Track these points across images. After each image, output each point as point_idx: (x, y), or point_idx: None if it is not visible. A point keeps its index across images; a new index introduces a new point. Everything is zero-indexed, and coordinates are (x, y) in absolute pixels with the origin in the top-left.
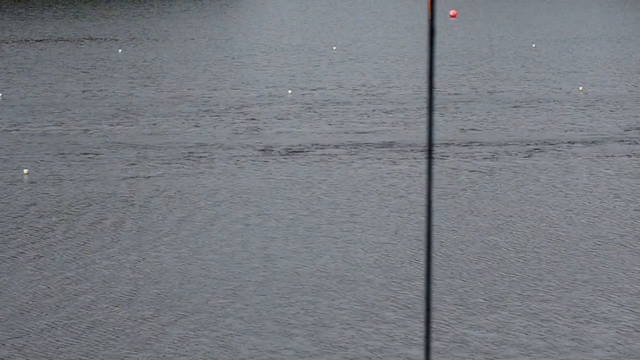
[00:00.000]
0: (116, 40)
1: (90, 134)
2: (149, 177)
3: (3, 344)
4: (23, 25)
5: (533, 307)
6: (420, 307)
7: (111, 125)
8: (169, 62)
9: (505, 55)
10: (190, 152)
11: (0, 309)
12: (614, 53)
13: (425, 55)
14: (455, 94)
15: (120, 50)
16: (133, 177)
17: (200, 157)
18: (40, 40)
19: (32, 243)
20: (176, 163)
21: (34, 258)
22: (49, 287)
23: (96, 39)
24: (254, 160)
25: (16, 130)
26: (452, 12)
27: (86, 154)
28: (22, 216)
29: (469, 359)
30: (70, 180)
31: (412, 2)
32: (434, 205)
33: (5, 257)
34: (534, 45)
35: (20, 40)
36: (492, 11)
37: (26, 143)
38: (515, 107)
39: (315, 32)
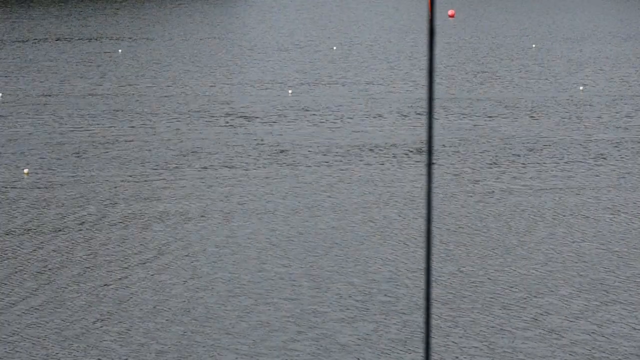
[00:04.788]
0: (119, 39)
1: (91, 133)
2: (158, 177)
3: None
4: (26, 24)
5: (618, 297)
6: (502, 299)
7: (111, 125)
8: (169, 61)
9: (504, 55)
10: (192, 152)
11: (103, 301)
12: (615, 52)
13: (425, 55)
14: (454, 94)
15: (120, 50)
16: (136, 177)
17: (209, 156)
18: (42, 40)
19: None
20: (181, 163)
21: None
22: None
23: (98, 38)
24: (255, 160)
25: (16, 129)
26: (450, 12)
27: (86, 152)
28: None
29: (561, 350)
30: (71, 180)
31: (412, 2)
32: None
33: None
34: (534, 45)
35: (22, 40)
36: (492, 11)
37: (26, 143)
38: (514, 107)
39: (315, 32)
